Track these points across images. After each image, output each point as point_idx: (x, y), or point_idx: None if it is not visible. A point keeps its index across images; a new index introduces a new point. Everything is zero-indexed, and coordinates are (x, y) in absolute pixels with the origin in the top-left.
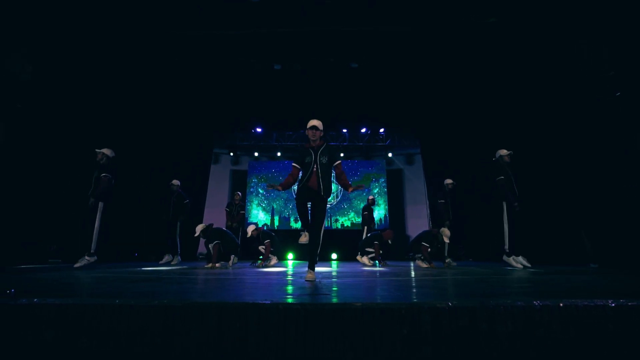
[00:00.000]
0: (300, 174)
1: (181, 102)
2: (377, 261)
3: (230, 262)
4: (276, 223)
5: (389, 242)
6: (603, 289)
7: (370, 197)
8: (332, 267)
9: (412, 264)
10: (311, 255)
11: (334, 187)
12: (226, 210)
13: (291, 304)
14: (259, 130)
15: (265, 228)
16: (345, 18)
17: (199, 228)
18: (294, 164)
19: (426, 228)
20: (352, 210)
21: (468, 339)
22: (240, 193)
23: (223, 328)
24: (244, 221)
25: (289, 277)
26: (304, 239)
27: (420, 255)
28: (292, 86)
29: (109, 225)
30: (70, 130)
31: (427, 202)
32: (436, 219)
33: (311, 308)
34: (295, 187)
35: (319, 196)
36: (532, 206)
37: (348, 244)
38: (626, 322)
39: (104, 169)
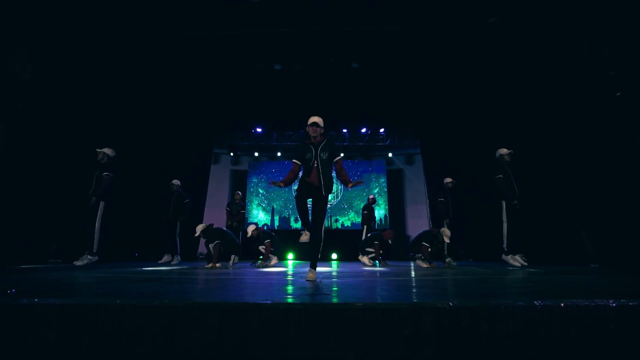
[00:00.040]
0: (302, 171)
1: (181, 102)
2: (377, 261)
3: (231, 262)
4: (276, 223)
5: (389, 242)
6: (604, 289)
7: (371, 197)
8: (332, 267)
9: (412, 264)
10: (313, 254)
11: (334, 187)
12: (226, 209)
13: (292, 304)
14: (259, 130)
15: (265, 228)
16: (345, 18)
17: (199, 228)
18: (294, 160)
19: (426, 228)
20: (352, 210)
21: (469, 339)
22: (240, 192)
23: (224, 328)
24: (244, 221)
25: (289, 277)
26: (304, 237)
27: (420, 255)
28: (292, 86)
29: (110, 225)
30: (70, 130)
31: (427, 202)
32: (436, 218)
33: (312, 308)
34: (296, 186)
35: (320, 193)
36: (532, 206)
37: (348, 244)
38: (627, 322)
39: (105, 168)
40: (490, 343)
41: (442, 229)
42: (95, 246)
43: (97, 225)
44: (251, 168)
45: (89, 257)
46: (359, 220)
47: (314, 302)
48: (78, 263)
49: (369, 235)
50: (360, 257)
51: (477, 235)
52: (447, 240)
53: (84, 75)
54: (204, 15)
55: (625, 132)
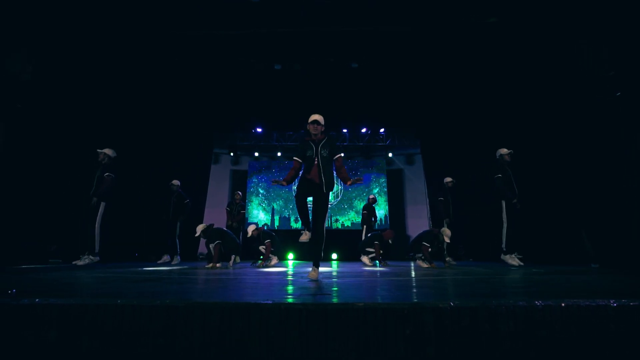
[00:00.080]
0: (302, 168)
1: (181, 102)
2: (377, 261)
3: (231, 262)
4: (276, 223)
5: (390, 242)
6: (604, 289)
7: (371, 197)
8: (332, 267)
9: (412, 264)
10: (315, 253)
11: (335, 187)
12: (227, 209)
13: (293, 304)
14: (259, 130)
15: (265, 228)
16: (345, 18)
17: (199, 228)
18: (295, 158)
19: (426, 228)
20: (352, 210)
21: (470, 339)
22: (240, 193)
23: (225, 328)
24: (244, 221)
25: (290, 277)
26: (304, 237)
27: (420, 255)
28: (292, 86)
29: (110, 225)
30: (70, 130)
31: (427, 202)
32: (436, 218)
33: (313, 308)
34: (296, 185)
35: (321, 190)
36: (533, 206)
37: (348, 244)
38: (628, 322)
39: (106, 168)
40: (491, 343)
41: (443, 228)
42: (96, 246)
43: (97, 225)
44: (251, 168)
45: (90, 257)
46: (359, 220)
47: (314, 302)
48: (79, 263)
49: (369, 235)
50: (362, 258)
51: (477, 235)
52: (447, 240)
53: (84, 75)
54: (204, 15)
55: (625, 132)
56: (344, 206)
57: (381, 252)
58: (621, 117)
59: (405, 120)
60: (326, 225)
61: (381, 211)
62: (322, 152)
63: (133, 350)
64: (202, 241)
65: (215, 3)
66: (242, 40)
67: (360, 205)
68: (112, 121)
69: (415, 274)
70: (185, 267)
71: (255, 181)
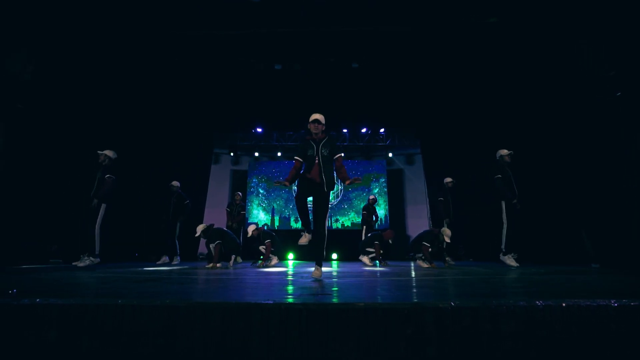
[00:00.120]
0: (303, 167)
1: (181, 102)
2: (377, 261)
3: (231, 262)
4: (276, 223)
5: (390, 242)
6: (605, 289)
7: (371, 197)
8: (332, 267)
9: (412, 264)
10: (318, 252)
11: (335, 187)
12: (227, 210)
13: (294, 304)
14: (259, 130)
15: (265, 228)
16: (345, 18)
17: (199, 228)
18: (296, 157)
19: (427, 228)
20: (352, 210)
21: (471, 339)
22: (240, 193)
23: (225, 328)
24: (244, 221)
25: (290, 277)
26: (303, 240)
27: (421, 255)
28: (292, 86)
29: (110, 225)
30: (70, 130)
31: (428, 202)
32: (436, 218)
33: (314, 308)
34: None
35: (321, 189)
36: (533, 206)
37: (348, 244)
38: (629, 322)
39: (107, 170)
40: (492, 343)
41: (443, 228)
42: (96, 248)
43: (97, 227)
44: (251, 168)
45: (90, 258)
46: (359, 220)
47: (315, 302)
48: (79, 264)
49: (369, 235)
50: (361, 258)
51: (477, 235)
52: (447, 240)
53: (85, 76)
54: (204, 15)
55: (625, 132)
56: (344, 206)
57: (381, 252)
58: (621, 117)
59: (405, 120)
60: (327, 225)
61: (381, 211)
62: (323, 151)
63: (133, 350)
64: (202, 241)
65: (215, 3)
66: (242, 40)
67: (360, 205)
68: (112, 121)
69: (415, 274)
70: (186, 267)
71: (255, 181)
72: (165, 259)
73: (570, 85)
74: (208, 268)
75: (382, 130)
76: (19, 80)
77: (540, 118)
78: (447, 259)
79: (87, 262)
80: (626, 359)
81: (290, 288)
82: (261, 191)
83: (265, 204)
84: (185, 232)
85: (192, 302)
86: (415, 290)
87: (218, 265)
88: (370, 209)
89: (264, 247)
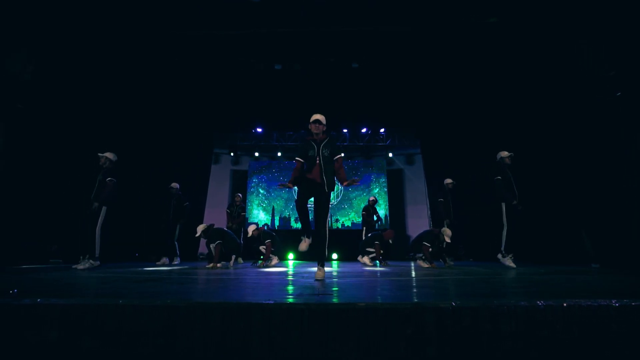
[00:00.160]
0: (304, 168)
1: (181, 102)
2: (377, 261)
3: (232, 262)
4: (277, 223)
5: (390, 242)
6: (605, 289)
7: (371, 198)
8: (332, 267)
9: (412, 264)
10: (319, 253)
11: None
12: (227, 211)
13: (294, 304)
14: (259, 130)
15: (265, 228)
16: (345, 18)
17: (200, 228)
18: (297, 158)
19: (427, 228)
20: (352, 210)
21: (472, 339)
22: (240, 195)
23: (226, 328)
24: (244, 223)
25: (290, 277)
26: (303, 245)
27: (421, 255)
28: (292, 86)
29: (110, 226)
30: (70, 130)
31: (428, 202)
32: (436, 219)
33: (315, 308)
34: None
35: (322, 189)
36: (533, 206)
37: (348, 244)
38: (630, 322)
39: (107, 173)
40: (493, 343)
41: (443, 228)
42: (96, 251)
43: (98, 230)
44: (251, 168)
45: (90, 261)
46: (359, 220)
47: (316, 302)
48: (79, 267)
49: (369, 235)
50: (359, 258)
51: (477, 236)
52: (447, 240)
53: (85, 76)
54: (204, 15)
55: (625, 132)
56: (344, 206)
57: (381, 252)
58: (621, 117)
59: (405, 120)
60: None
61: (381, 211)
62: (324, 151)
63: (134, 350)
64: (203, 241)
65: (215, 3)
66: (242, 40)
67: (360, 205)
68: (112, 121)
69: (415, 274)
70: (186, 267)
71: (255, 181)
72: (165, 260)
73: (571, 86)
74: (208, 268)
75: (382, 130)
76: (19, 80)
77: (541, 118)
78: (447, 259)
79: (87, 265)
80: (627, 359)
81: (290, 288)
82: (261, 191)
83: (266, 204)
84: (186, 233)
85: (193, 302)
86: (415, 291)
87: (218, 265)
88: (370, 210)
89: (264, 247)
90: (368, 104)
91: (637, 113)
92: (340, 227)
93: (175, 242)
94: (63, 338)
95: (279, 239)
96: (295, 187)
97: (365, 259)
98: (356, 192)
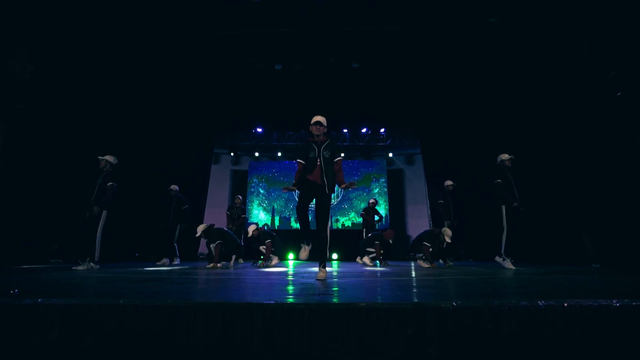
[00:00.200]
0: (305, 169)
1: (181, 102)
2: (377, 261)
3: (232, 262)
4: (277, 223)
5: (390, 242)
6: (606, 289)
7: (371, 201)
8: (333, 267)
9: (413, 264)
10: (321, 254)
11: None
12: (227, 214)
13: (296, 304)
14: (259, 130)
15: (266, 228)
16: (345, 18)
17: (200, 228)
18: (298, 160)
19: (427, 228)
20: (353, 210)
21: (472, 339)
22: (240, 197)
23: (227, 328)
24: (244, 224)
25: (291, 277)
26: (303, 254)
27: (421, 255)
28: (292, 86)
29: (110, 226)
30: (70, 130)
31: (428, 202)
32: (436, 219)
33: (315, 308)
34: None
35: (323, 191)
36: (533, 206)
37: (348, 244)
38: (631, 322)
39: (108, 176)
40: (494, 343)
41: (444, 228)
42: (96, 254)
43: (99, 234)
44: (252, 168)
45: (91, 264)
46: (359, 220)
47: (317, 302)
48: (79, 268)
49: (369, 235)
50: (358, 259)
51: (477, 236)
52: (448, 240)
53: (85, 75)
54: (204, 15)
55: (625, 132)
56: (344, 206)
57: (382, 252)
58: (621, 117)
59: (406, 120)
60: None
61: (381, 211)
62: (325, 153)
63: (135, 350)
64: (203, 241)
65: (215, 3)
66: (242, 40)
67: (360, 205)
68: (112, 121)
69: (416, 274)
70: (186, 267)
71: (255, 181)
72: (165, 260)
73: (571, 85)
74: (209, 268)
75: (382, 130)
76: (19, 80)
77: (541, 118)
78: (447, 259)
79: (87, 266)
80: (628, 359)
81: (291, 288)
82: (261, 191)
83: (266, 204)
84: (186, 233)
85: (193, 302)
86: (415, 290)
87: (219, 265)
88: (369, 212)
89: (265, 247)
90: (368, 104)
91: (637, 113)
92: (340, 227)
93: (175, 244)
94: (64, 338)
95: (279, 239)
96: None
97: (366, 259)
98: (356, 192)
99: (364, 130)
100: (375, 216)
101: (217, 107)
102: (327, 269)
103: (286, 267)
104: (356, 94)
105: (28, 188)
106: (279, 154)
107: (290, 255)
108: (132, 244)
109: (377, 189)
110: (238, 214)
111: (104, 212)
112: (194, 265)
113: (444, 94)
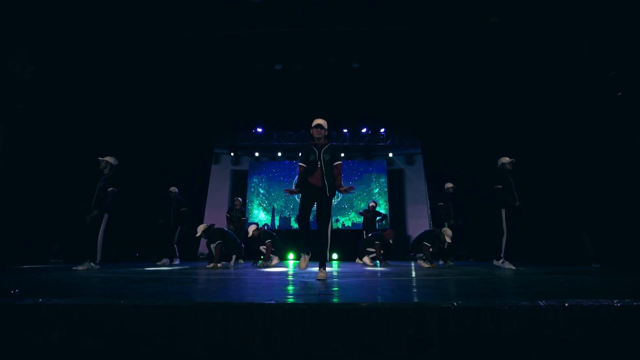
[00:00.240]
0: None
1: (182, 102)
2: (378, 261)
3: (232, 262)
4: (277, 223)
5: (390, 242)
6: (606, 289)
7: (371, 204)
8: (333, 267)
9: (413, 264)
10: (321, 254)
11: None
12: (227, 216)
13: (296, 304)
14: (259, 130)
15: (266, 228)
16: (345, 18)
17: (200, 228)
18: (300, 164)
19: (427, 228)
20: (353, 210)
21: (473, 339)
22: (240, 199)
23: (228, 328)
24: (244, 226)
25: (291, 277)
26: (303, 264)
27: (421, 255)
28: (293, 86)
29: (111, 228)
30: (70, 130)
31: (428, 202)
32: (436, 220)
33: (316, 308)
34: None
35: (324, 193)
36: (533, 206)
37: (348, 244)
38: (632, 322)
39: (109, 180)
40: (495, 343)
41: (444, 229)
42: (97, 257)
43: (100, 237)
44: (252, 168)
45: (91, 264)
46: (359, 220)
47: (317, 302)
48: (79, 268)
49: (369, 235)
50: (357, 260)
51: (477, 236)
52: (448, 240)
53: (85, 76)
54: (204, 15)
55: (625, 132)
56: (344, 206)
57: (382, 252)
58: (621, 117)
59: (406, 120)
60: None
61: (382, 211)
62: (325, 156)
63: (135, 350)
64: (203, 241)
65: (216, 3)
66: (242, 40)
67: (360, 205)
68: (112, 121)
69: (416, 274)
70: (186, 267)
71: (255, 181)
72: (165, 261)
73: (571, 86)
74: (209, 268)
75: (382, 130)
76: (19, 80)
77: (541, 118)
78: (447, 259)
79: (87, 267)
80: (629, 359)
81: (291, 288)
82: (261, 191)
83: (266, 204)
84: (186, 233)
85: (194, 302)
86: (416, 290)
87: (219, 265)
88: (369, 213)
89: (265, 247)
90: (368, 104)
91: (637, 113)
92: (340, 227)
93: (175, 245)
94: (65, 338)
95: (279, 239)
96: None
97: (366, 259)
98: (357, 192)
99: (364, 130)
100: (377, 217)
101: (217, 107)
102: (328, 268)
103: (286, 267)
104: (356, 94)
105: (28, 188)
106: (279, 154)
107: (290, 256)
108: (132, 244)
109: (377, 189)
110: (238, 216)
111: (105, 216)
112: (194, 265)
113: (444, 94)
